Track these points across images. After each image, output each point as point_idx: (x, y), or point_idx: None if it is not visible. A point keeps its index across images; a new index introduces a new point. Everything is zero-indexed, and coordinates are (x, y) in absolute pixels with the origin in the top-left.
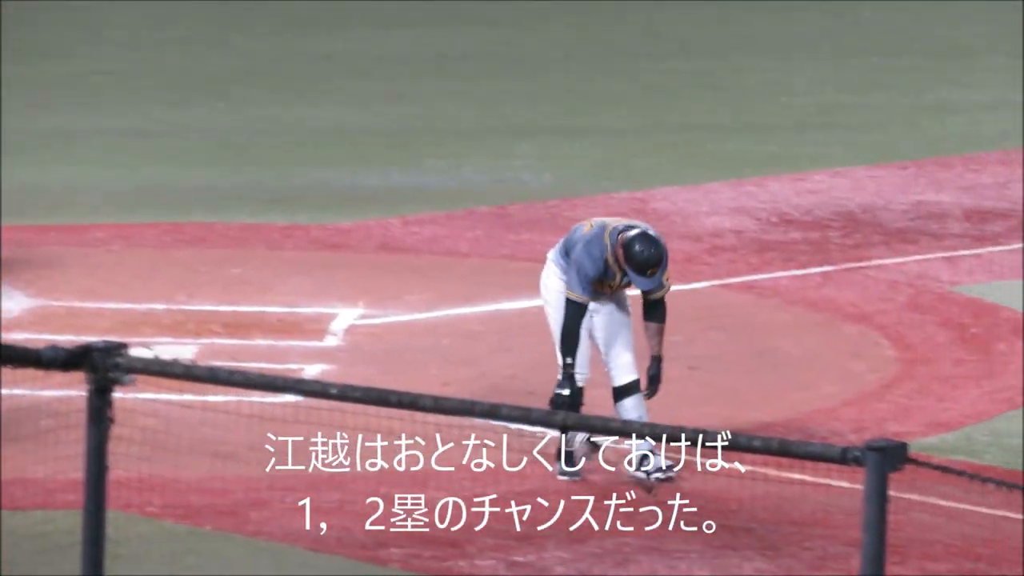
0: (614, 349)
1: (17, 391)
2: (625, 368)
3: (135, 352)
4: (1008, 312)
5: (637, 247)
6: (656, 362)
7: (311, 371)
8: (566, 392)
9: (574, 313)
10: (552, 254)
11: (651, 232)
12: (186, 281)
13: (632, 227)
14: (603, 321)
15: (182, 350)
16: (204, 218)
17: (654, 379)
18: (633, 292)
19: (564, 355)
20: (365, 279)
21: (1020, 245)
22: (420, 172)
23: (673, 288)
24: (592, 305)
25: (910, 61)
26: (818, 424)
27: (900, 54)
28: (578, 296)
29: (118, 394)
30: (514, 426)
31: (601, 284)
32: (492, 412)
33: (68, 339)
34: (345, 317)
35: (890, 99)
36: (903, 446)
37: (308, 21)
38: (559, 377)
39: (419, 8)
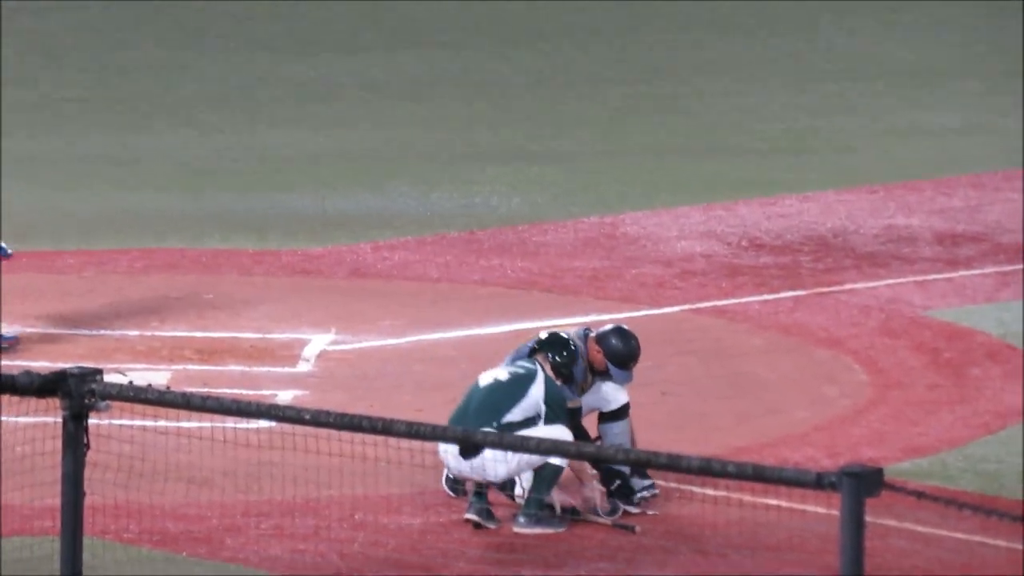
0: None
1: None
2: (616, 392)
3: (109, 378)
4: (981, 336)
5: (618, 342)
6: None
7: (284, 397)
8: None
9: (576, 416)
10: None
11: (624, 327)
12: (159, 307)
13: (583, 329)
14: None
15: (156, 376)
16: (175, 244)
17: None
18: None
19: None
20: (336, 305)
21: (992, 269)
22: (390, 197)
23: (645, 313)
24: None
25: (879, 85)
26: (791, 449)
27: (869, 78)
28: (577, 401)
29: (93, 420)
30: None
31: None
32: (466, 438)
33: (42, 366)
34: (317, 343)
35: (859, 123)
36: (879, 471)
37: (277, 46)
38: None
39: (387, 33)
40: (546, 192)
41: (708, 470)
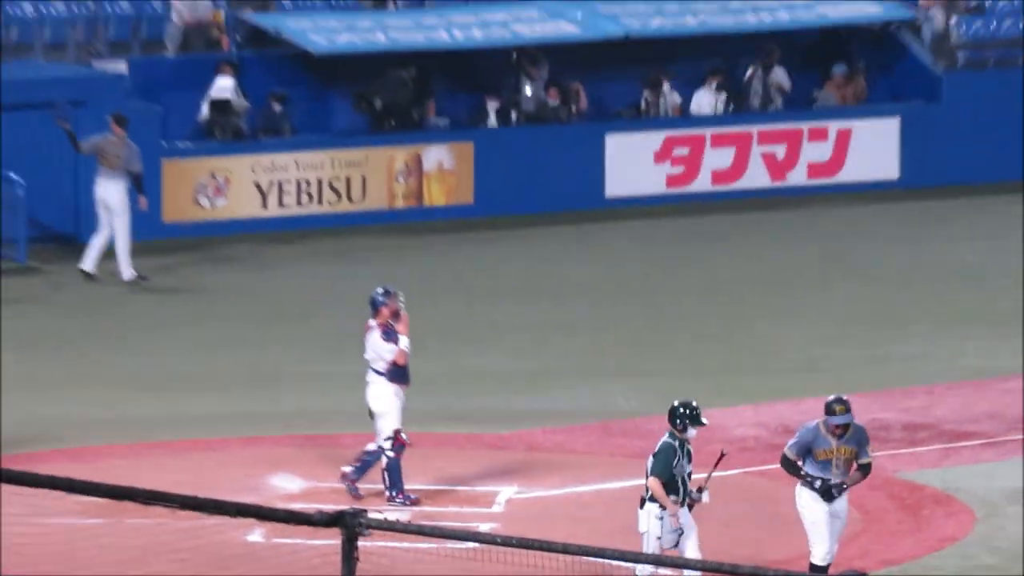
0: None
1: (290, 539)
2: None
3: (371, 514)
4: None
5: (831, 400)
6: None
7: (484, 527)
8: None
9: (787, 464)
10: None
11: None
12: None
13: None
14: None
15: (400, 514)
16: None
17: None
18: None
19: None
20: (518, 467)
21: None
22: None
23: None
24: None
25: None
26: None
27: None
28: (790, 454)
29: (362, 542)
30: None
31: (821, 452)
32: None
33: (330, 507)
34: (505, 492)
35: None
36: None
37: None
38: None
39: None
40: None
41: None
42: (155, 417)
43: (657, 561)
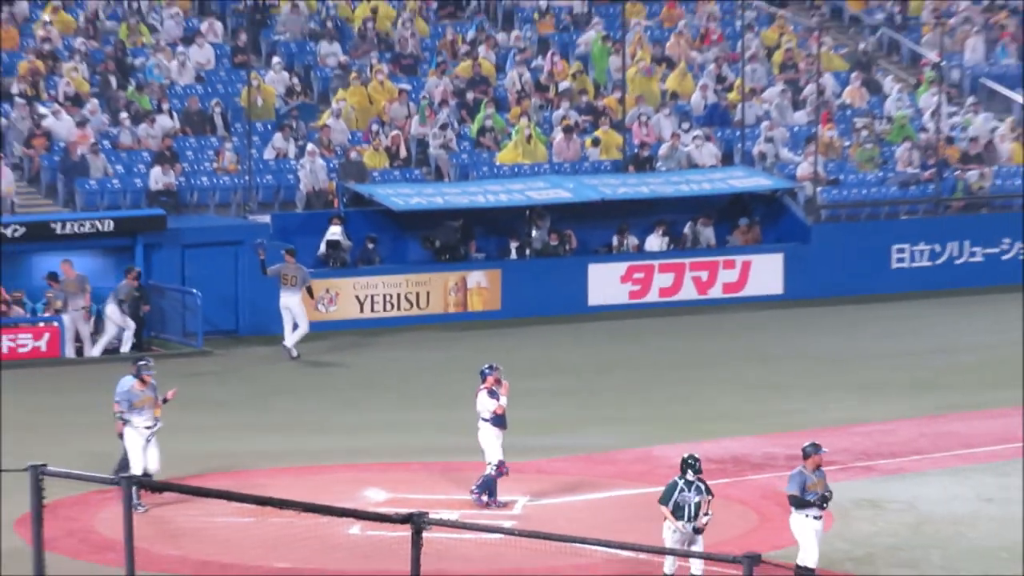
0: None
1: (377, 532)
2: (811, 554)
3: (433, 515)
4: None
5: (807, 445)
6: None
7: (507, 524)
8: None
9: (796, 501)
10: None
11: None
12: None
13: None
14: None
15: (449, 515)
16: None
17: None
18: None
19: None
20: (531, 484)
21: None
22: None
23: None
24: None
25: None
26: None
27: None
28: (791, 491)
29: (425, 534)
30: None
31: (810, 486)
32: (624, 545)
33: (408, 511)
34: (521, 501)
35: None
36: None
37: None
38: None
39: None
40: None
41: None
42: (285, 451)
43: (622, 546)
